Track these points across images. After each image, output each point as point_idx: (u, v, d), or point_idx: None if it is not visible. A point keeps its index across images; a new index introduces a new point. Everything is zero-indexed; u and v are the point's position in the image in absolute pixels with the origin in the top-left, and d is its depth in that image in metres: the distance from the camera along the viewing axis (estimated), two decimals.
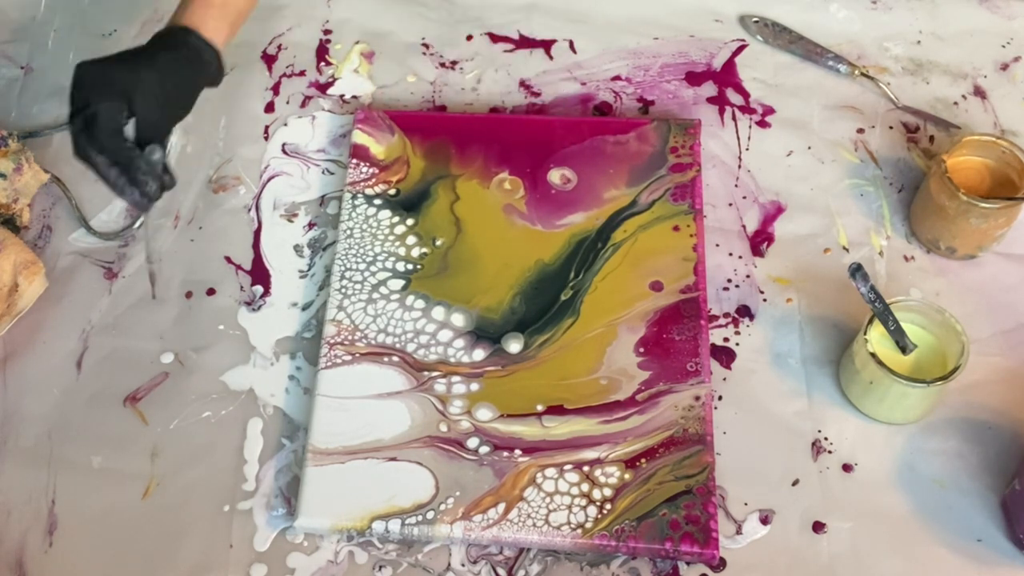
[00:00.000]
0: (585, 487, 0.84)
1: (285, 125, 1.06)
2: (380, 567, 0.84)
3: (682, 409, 0.87)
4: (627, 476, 0.85)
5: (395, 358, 0.90)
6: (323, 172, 1.03)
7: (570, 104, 1.07)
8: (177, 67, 0.88)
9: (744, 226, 0.99)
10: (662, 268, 0.94)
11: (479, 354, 0.91)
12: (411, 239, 0.97)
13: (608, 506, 0.83)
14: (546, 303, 0.93)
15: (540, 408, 0.88)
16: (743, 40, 1.10)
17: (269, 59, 1.11)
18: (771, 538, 0.84)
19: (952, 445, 0.87)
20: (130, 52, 0.88)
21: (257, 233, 1.00)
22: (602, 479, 0.85)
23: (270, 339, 0.94)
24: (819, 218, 0.99)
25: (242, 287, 0.97)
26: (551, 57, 1.10)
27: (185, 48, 0.89)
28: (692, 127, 1.02)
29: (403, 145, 1.02)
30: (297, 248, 0.99)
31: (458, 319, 0.92)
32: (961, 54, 1.09)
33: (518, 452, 0.86)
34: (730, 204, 1.00)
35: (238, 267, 0.98)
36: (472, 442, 0.87)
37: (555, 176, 1.00)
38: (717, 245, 0.97)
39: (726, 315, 0.94)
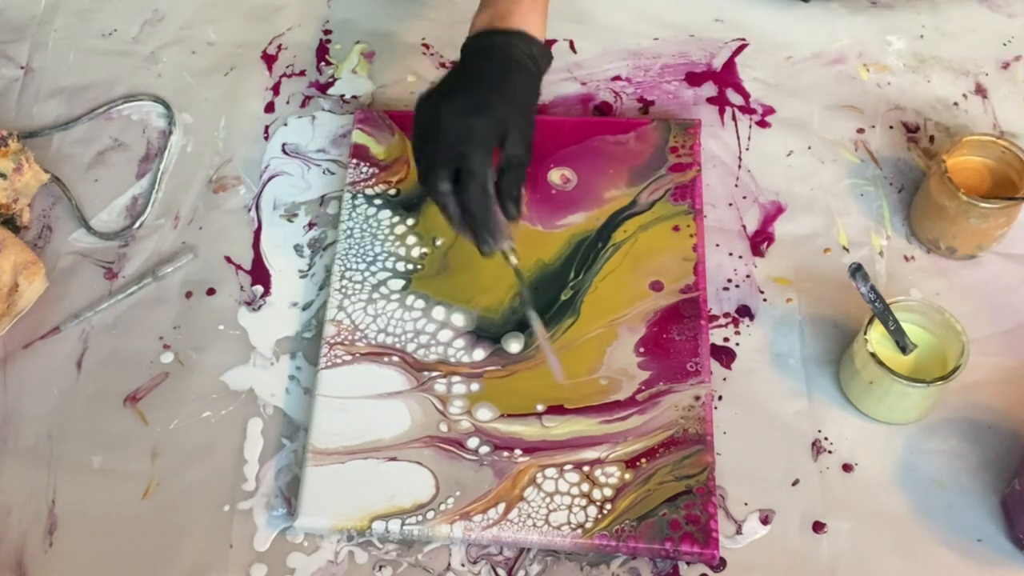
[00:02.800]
0: (585, 487, 0.84)
1: (285, 125, 1.06)
2: (380, 567, 0.84)
3: (682, 409, 0.87)
4: (627, 476, 0.85)
5: (395, 358, 0.90)
6: (323, 172, 1.03)
7: (570, 104, 1.07)
8: (529, 88, 0.86)
9: (744, 226, 0.99)
10: (662, 268, 0.94)
11: (479, 354, 0.91)
12: (411, 239, 0.97)
13: (608, 506, 0.83)
14: (546, 303, 0.93)
15: (540, 408, 0.88)
16: (743, 40, 1.10)
17: (269, 59, 1.11)
18: (771, 538, 0.84)
19: (952, 445, 0.87)
20: (478, 81, 0.85)
21: (257, 233, 1.00)
22: (602, 479, 0.85)
23: (270, 339, 0.94)
24: (819, 218, 0.99)
25: (242, 287, 0.97)
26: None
27: (525, 59, 0.86)
28: (692, 127, 1.02)
29: (403, 145, 1.02)
30: (297, 248, 0.99)
31: (458, 319, 0.92)
32: (962, 51, 1.09)
33: (518, 452, 0.86)
34: (730, 204, 1.00)
35: (238, 267, 0.98)
36: (472, 442, 0.87)
37: (555, 176, 1.00)
38: (717, 245, 0.97)
39: (726, 315, 0.94)
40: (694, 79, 1.08)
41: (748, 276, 0.96)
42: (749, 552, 0.83)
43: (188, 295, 0.97)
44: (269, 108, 1.08)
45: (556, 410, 0.88)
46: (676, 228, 0.96)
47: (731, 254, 0.97)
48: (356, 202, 0.98)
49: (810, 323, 0.93)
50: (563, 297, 0.93)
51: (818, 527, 0.84)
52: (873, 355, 0.84)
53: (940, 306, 0.86)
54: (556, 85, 1.08)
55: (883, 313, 0.85)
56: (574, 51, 1.10)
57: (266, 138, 1.06)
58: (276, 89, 1.09)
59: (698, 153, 1.00)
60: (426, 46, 1.12)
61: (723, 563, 0.83)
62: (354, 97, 1.08)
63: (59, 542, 0.85)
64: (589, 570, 0.83)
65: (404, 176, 1.00)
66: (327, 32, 1.13)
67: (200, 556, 0.84)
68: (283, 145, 1.05)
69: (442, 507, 0.84)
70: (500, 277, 0.94)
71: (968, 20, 1.11)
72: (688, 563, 0.83)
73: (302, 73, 1.10)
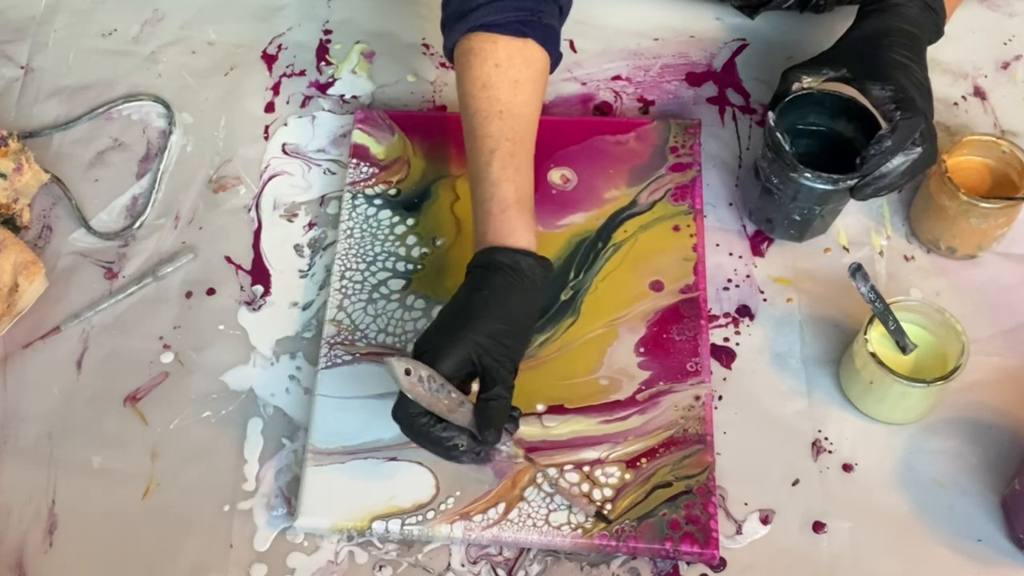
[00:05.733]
0: (586, 487, 0.84)
1: (285, 125, 1.06)
2: (380, 567, 0.84)
3: (682, 409, 0.87)
4: (627, 476, 0.85)
5: None
6: (323, 172, 1.03)
7: (570, 104, 1.07)
8: (531, 318, 0.83)
9: (744, 226, 0.98)
10: (662, 268, 0.94)
11: None
12: (411, 239, 0.97)
13: (608, 506, 0.83)
14: (546, 303, 0.92)
15: (540, 408, 0.88)
16: (743, 40, 1.10)
17: (269, 59, 1.11)
18: (771, 538, 0.84)
19: (952, 445, 0.87)
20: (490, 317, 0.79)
21: (257, 233, 1.00)
22: (602, 479, 0.84)
23: (270, 339, 0.94)
24: None
25: (242, 287, 0.97)
26: None
27: (527, 282, 0.82)
28: (692, 127, 1.02)
29: (403, 145, 1.02)
30: (297, 248, 0.99)
31: None
32: (962, 52, 1.09)
33: None
34: (730, 204, 1.00)
35: (238, 267, 0.98)
36: None
37: (555, 176, 1.00)
38: (717, 245, 0.97)
39: (726, 315, 0.94)
40: (694, 79, 1.08)
41: (748, 276, 0.96)
42: (749, 552, 0.83)
43: (188, 295, 0.97)
44: (269, 108, 1.08)
45: (556, 410, 0.88)
46: (676, 228, 0.96)
47: (731, 254, 0.97)
48: (356, 202, 0.98)
49: (810, 323, 0.93)
50: (563, 297, 0.93)
51: (818, 527, 0.84)
52: (873, 355, 0.84)
53: (940, 306, 0.86)
54: (556, 85, 1.08)
55: (883, 313, 0.85)
56: (574, 51, 1.10)
57: (266, 138, 1.06)
58: (276, 89, 1.09)
59: (698, 153, 1.00)
60: (426, 46, 1.12)
61: (723, 563, 0.83)
62: (354, 97, 1.08)
63: (59, 542, 0.85)
64: (589, 570, 0.83)
65: (404, 176, 1.00)
66: (327, 32, 1.13)
67: (200, 556, 0.84)
68: (283, 145, 1.05)
69: (442, 507, 0.84)
70: None
71: (968, 20, 1.11)
72: (688, 563, 0.83)
73: (302, 73, 1.10)
